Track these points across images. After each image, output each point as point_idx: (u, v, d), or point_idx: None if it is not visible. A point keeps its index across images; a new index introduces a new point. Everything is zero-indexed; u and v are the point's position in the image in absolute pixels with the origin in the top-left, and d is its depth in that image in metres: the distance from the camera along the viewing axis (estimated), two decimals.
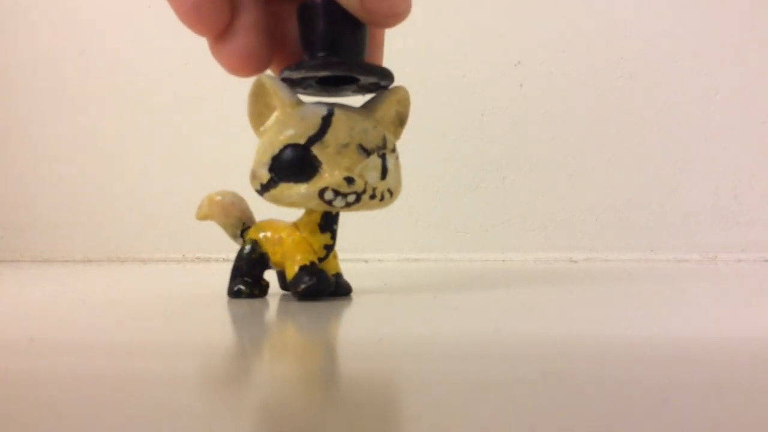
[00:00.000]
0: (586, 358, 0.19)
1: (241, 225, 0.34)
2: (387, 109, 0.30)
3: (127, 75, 0.65)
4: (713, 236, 0.58)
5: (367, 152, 0.29)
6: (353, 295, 0.34)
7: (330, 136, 0.28)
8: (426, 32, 0.61)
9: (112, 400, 0.16)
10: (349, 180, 0.28)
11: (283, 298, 0.33)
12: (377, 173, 0.29)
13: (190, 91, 0.61)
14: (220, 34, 0.27)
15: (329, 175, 0.28)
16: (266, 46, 0.28)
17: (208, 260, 0.61)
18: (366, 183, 0.29)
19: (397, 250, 0.60)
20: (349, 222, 0.61)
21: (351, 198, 0.28)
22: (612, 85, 0.59)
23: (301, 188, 0.28)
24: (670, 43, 0.59)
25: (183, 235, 0.62)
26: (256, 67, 0.28)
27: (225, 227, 0.35)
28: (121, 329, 0.26)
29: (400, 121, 0.31)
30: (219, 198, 0.35)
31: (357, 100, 0.31)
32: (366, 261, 0.59)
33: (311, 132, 0.28)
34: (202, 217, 0.35)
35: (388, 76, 0.29)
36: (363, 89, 0.30)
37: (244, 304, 0.31)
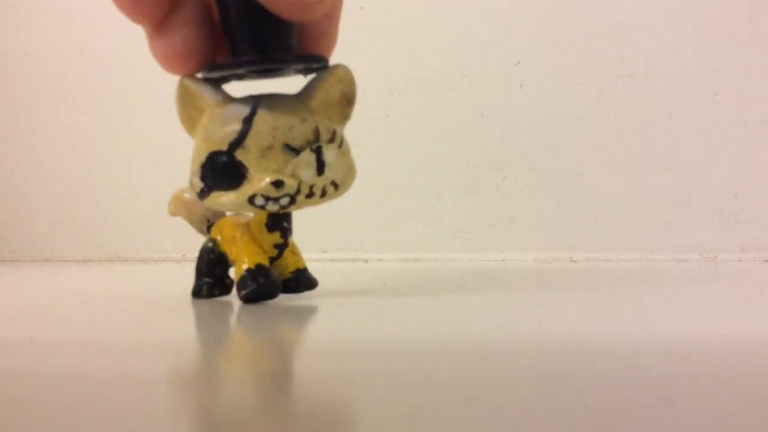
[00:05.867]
0: (586, 358, 0.19)
1: (206, 222, 0.34)
2: (328, 91, 0.28)
3: (127, 74, 0.64)
4: (713, 236, 0.58)
5: (295, 151, 0.27)
6: (352, 294, 0.34)
7: (250, 140, 0.27)
8: (426, 32, 0.61)
9: (111, 400, 0.16)
10: (278, 183, 0.27)
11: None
12: (312, 170, 0.27)
13: None
14: (158, 25, 0.25)
15: (256, 181, 0.27)
16: (206, 42, 0.26)
17: None
18: (300, 182, 0.27)
19: (397, 250, 0.60)
20: (349, 222, 0.61)
21: (284, 201, 0.27)
22: (612, 85, 0.59)
23: (231, 196, 0.27)
24: (670, 43, 0.59)
25: (183, 235, 0.61)
26: (193, 65, 0.26)
27: (191, 223, 0.35)
28: (121, 329, 0.26)
29: (348, 101, 0.29)
30: (184, 195, 0.35)
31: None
32: (366, 261, 0.59)
33: (232, 137, 0.27)
34: (171, 213, 0.36)
35: (311, 59, 0.27)
36: (304, 71, 0.28)
37: (243, 303, 0.31)
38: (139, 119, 0.65)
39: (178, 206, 0.35)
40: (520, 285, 0.40)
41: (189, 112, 0.28)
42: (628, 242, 0.59)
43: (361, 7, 0.59)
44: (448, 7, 0.61)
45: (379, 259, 0.59)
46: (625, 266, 0.53)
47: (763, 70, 0.58)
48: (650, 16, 0.59)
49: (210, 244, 0.33)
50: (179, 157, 0.64)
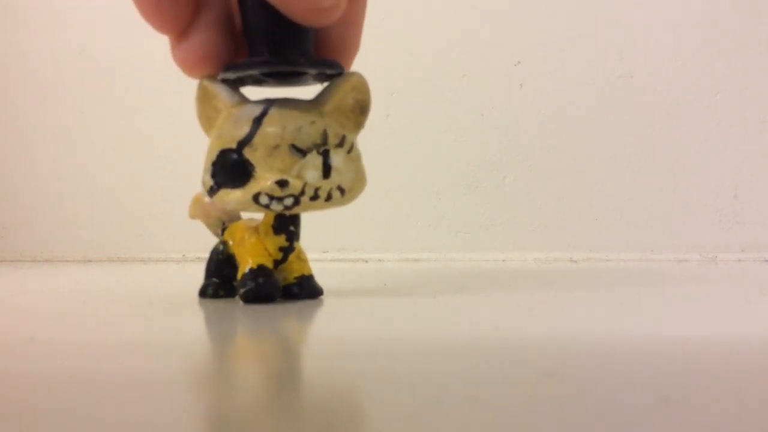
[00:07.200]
0: (586, 358, 0.19)
1: (221, 225, 0.34)
2: (342, 98, 0.28)
3: (127, 74, 0.64)
4: (713, 236, 0.58)
5: (301, 152, 0.27)
6: (352, 294, 0.34)
7: (258, 139, 0.27)
8: (426, 32, 0.61)
9: (112, 400, 0.16)
10: (282, 183, 0.27)
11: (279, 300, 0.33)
12: (318, 172, 0.27)
13: (191, 90, 0.61)
14: (181, 33, 0.26)
15: (262, 180, 0.27)
16: (226, 46, 0.27)
17: None
18: (305, 184, 0.27)
19: (397, 250, 0.60)
20: (349, 222, 0.61)
21: (288, 201, 0.27)
22: (612, 85, 0.59)
23: (238, 194, 0.27)
24: (670, 43, 0.59)
25: (183, 235, 0.62)
26: (213, 69, 0.27)
27: (208, 226, 0.36)
28: (121, 329, 0.26)
29: (361, 109, 0.29)
30: (203, 198, 0.35)
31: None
32: (366, 261, 0.59)
33: (241, 135, 0.27)
34: (191, 216, 0.36)
35: (325, 65, 0.28)
36: (320, 77, 0.29)
37: (245, 304, 0.31)
38: (140, 120, 0.65)
39: (197, 209, 0.35)
40: (520, 285, 0.40)
41: (207, 112, 0.29)
42: (628, 242, 0.59)
43: None
44: (448, 7, 0.61)
45: (379, 259, 0.59)
46: (625, 266, 0.53)
47: (763, 70, 0.58)
48: (650, 16, 0.59)
49: (221, 246, 0.33)
50: (180, 157, 0.64)
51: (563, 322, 0.27)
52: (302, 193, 0.27)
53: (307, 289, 0.32)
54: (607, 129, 0.59)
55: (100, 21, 0.65)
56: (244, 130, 0.27)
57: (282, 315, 0.29)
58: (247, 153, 0.27)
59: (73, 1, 0.65)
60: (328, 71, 0.28)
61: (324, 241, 0.60)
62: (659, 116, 0.59)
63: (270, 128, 0.27)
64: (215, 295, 0.33)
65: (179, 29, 0.26)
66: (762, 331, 0.24)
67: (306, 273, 0.32)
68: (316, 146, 0.27)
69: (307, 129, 0.27)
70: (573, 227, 0.59)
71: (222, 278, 0.33)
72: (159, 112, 0.64)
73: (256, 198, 0.27)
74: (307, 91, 0.29)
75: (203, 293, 0.33)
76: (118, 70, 0.65)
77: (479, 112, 0.60)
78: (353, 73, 0.29)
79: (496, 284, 0.40)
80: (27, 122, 0.66)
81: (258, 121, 0.27)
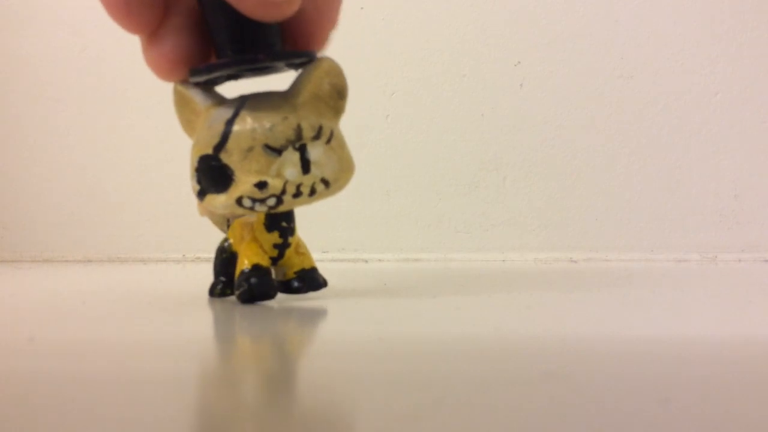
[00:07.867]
0: (586, 358, 0.19)
1: (226, 222, 0.35)
2: (317, 85, 0.27)
3: (128, 74, 0.64)
4: (713, 236, 0.58)
5: (276, 151, 0.26)
6: (352, 294, 0.34)
7: (231, 143, 0.26)
8: (426, 32, 0.61)
9: (112, 400, 0.16)
10: (261, 185, 0.26)
11: (279, 297, 0.33)
12: (296, 169, 0.27)
13: None
14: (152, 34, 0.26)
15: (241, 183, 0.27)
16: (197, 48, 0.26)
17: (208, 260, 0.61)
18: (286, 182, 0.27)
19: (397, 250, 0.60)
20: (349, 222, 0.61)
21: (271, 201, 0.27)
22: (612, 85, 0.59)
23: (222, 198, 0.27)
24: (670, 43, 0.59)
25: (183, 235, 0.62)
26: (185, 72, 0.27)
27: (215, 224, 0.36)
28: (120, 329, 0.26)
29: (339, 93, 0.28)
30: None
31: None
32: (366, 261, 0.59)
33: (216, 140, 0.27)
34: (200, 214, 0.36)
35: (290, 56, 0.27)
36: (293, 65, 0.28)
37: (245, 303, 0.31)
38: (140, 120, 0.65)
39: (202, 207, 0.35)
40: (520, 285, 0.40)
41: (186, 116, 0.28)
42: (628, 242, 0.59)
43: (361, 8, 0.59)
44: (448, 7, 0.61)
45: (379, 259, 0.59)
46: (625, 266, 0.53)
47: (763, 70, 0.58)
48: (650, 16, 0.59)
49: (225, 244, 0.33)
50: (180, 157, 0.64)
51: (563, 322, 0.27)
52: (284, 191, 0.27)
53: (308, 283, 0.32)
54: (607, 129, 0.59)
55: (101, 21, 0.64)
56: (217, 133, 0.27)
57: (281, 315, 0.29)
58: (224, 157, 0.27)
59: (73, 1, 0.65)
60: (296, 61, 0.27)
61: (324, 241, 0.60)
62: (659, 116, 0.59)
63: (241, 131, 0.26)
64: (222, 294, 0.33)
65: (149, 29, 0.25)
66: (762, 331, 0.24)
67: (306, 266, 0.32)
68: (291, 142, 0.27)
69: (280, 126, 0.26)
70: (573, 227, 0.59)
71: (229, 277, 0.33)
72: (159, 112, 0.64)
73: (239, 201, 0.27)
74: (288, 77, 0.29)
75: (211, 292, 0.33)
76: (118, 70, 0.65)
77: (479, 112, 0.60)
78: (323, 59, 0.28)
79: (496, 284, 0.40)
80: (27, 122, 0.66)
81: (230, 124, 0.27)
